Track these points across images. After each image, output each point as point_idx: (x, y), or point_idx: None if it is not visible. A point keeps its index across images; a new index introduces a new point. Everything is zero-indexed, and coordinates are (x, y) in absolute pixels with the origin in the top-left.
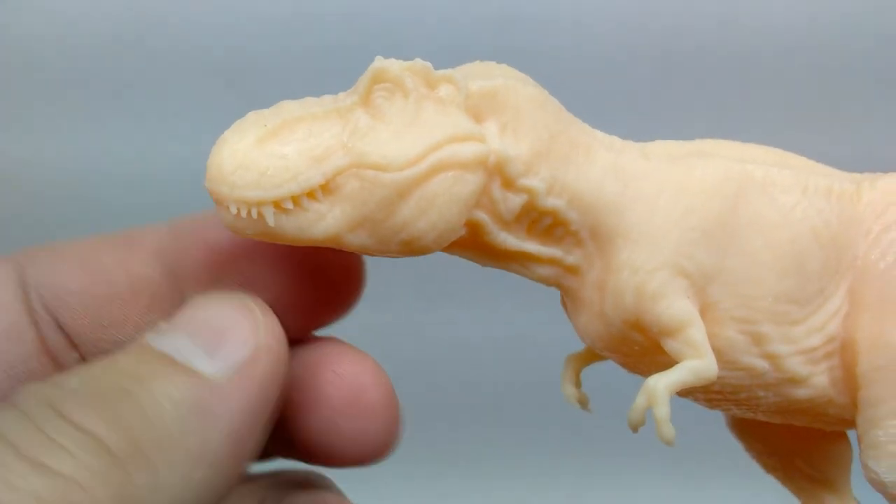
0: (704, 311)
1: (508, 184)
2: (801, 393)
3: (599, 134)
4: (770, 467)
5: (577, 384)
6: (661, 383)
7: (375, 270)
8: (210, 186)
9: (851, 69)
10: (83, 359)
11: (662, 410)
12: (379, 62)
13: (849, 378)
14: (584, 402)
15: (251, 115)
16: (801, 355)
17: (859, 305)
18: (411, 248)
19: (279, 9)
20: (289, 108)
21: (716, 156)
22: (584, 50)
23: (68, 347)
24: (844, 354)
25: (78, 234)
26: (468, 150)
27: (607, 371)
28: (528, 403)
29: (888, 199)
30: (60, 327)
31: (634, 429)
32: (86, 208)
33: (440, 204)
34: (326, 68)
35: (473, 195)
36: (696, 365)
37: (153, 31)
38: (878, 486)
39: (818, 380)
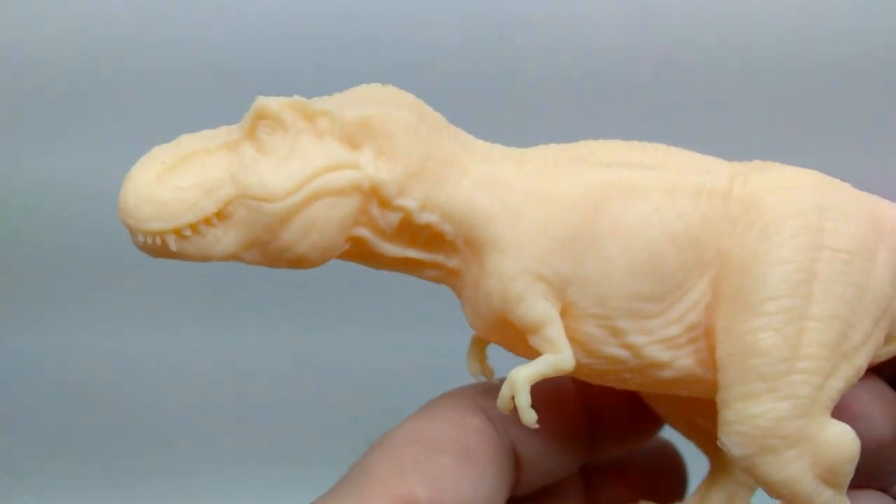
0: (565, 310)
1: (384, 203)
2: (665, 374)
3: (480, 145)
4: (674, 423)
5: (482, 360)
6: (522, 375)
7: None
8: (120, 217)
9: (851, 71)
10: None
11: (522, 398)
12: (261, 100)
13: (714, 359)
14: (489, 374)
15: (154, 151)
16: (659, 344)
17: (720, 296)
18: (299, 264)
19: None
20: (186, 142)
21: (587, 163)
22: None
23: None
24: (708, 339)
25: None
26: (343, 178)
27: None
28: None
29: (756, 195)
30: None
31: (505, 412)
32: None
33: (319, 227)
34: (324, 69)
35: (350, 217)
36: (553, 359)
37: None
38: (732, 458)
39: (682, 362)
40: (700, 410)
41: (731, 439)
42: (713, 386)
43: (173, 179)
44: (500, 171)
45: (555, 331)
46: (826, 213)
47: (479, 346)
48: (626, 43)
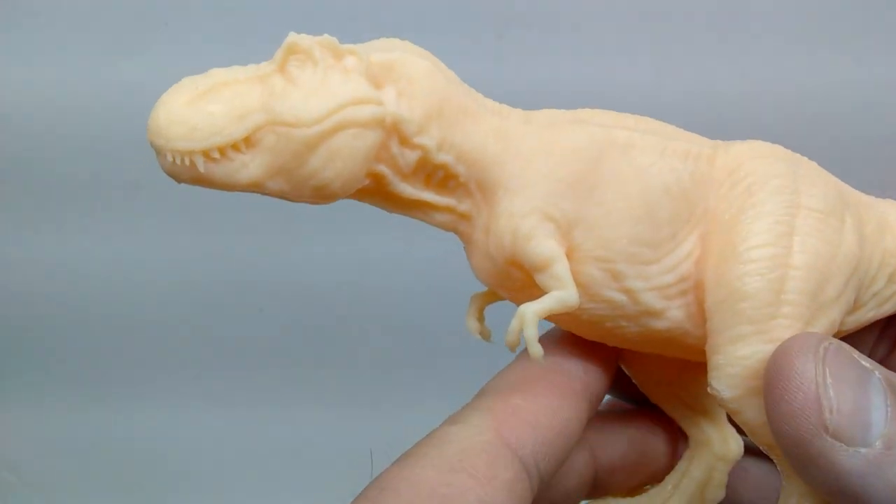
0: (570, 252)
1: (404, 141)
2: (659, 324)
3: (490, 102)
4: (655, 396)
5: (481, 319)
6: (531, 308)
7: None
8: (150, 139)
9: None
10: None
11: (531, 331)
12: (293, 36)
13: (701, 313)
14: (486, 335)
15: (185, 80)
16: (655, 291)
17: (708, 251)
18: (322, 193)
19: None
20: (217, 73)
21: (588, 123)
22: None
23: None
24: (697, 292)
25: None
26: (367, 111)
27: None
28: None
29: (737, 161)
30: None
31: (512, 348)
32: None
33: (344, 156)
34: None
35: (372, 149)
36: (561, 295)
37: None
38: (721, 402)
39: (674, 313)
40: (681, 383)
41: (721, 382)
42: (700, 341)
43: (204, 104)
44: (510, 124)
45: (561, 268)
46: (801, 178)
47: (478, 304)
48: (626, 43)
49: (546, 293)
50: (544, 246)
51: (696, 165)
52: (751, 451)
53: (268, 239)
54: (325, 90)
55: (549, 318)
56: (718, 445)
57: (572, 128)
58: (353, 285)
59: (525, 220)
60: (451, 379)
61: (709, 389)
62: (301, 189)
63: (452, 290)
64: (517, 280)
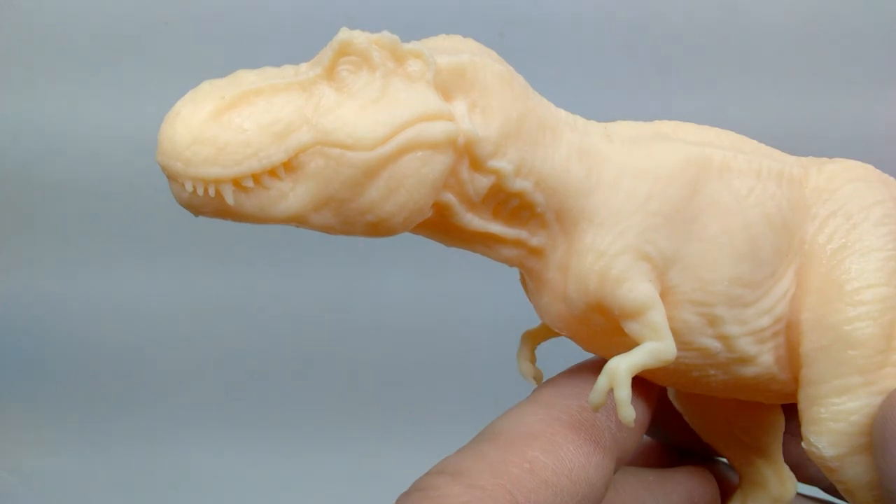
0: (663, 295)
1: (477, 165)
2: (748, 371)
3: (563, 113)
4: (709, 436)
5: (533, 360)
6: (623, 365)
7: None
8: (163, 161)
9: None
10: None
11: (624, 392)
12: (345, 33)
13: (792, 356)
14: (538, 378)
15: (205, 85)
16: (751, 335)
17: (806, 287)
18: (378, 229)
19: None
20: (247, 78)
21: (675, 139)
22: (581, 50)
23: None
24: (789, 334)
25: None
26: (438, 130)
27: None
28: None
29: (834, 184)
30: None
31: (596, 409)
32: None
33: (409, 185)
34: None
35: (442, 176)
36: (657, 347)
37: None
38: (818, 459)
39: (764, 358)
40: (738, 422)
41: (823, 439)
42: (785, 386)
43: (234, 118)
44: (591, 141)
45: (658, 316)
46: None
47: (530, 344)
48: (626, 43)
49: (634, 341)
50: (639, 290)
51: (791, 190)
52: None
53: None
54: (386, 103)
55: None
56: (776, 487)
57: (663, 147)
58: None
59: (617, 259)
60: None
61: (804, 445)
62: (353, 224)
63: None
64: (596, 325)
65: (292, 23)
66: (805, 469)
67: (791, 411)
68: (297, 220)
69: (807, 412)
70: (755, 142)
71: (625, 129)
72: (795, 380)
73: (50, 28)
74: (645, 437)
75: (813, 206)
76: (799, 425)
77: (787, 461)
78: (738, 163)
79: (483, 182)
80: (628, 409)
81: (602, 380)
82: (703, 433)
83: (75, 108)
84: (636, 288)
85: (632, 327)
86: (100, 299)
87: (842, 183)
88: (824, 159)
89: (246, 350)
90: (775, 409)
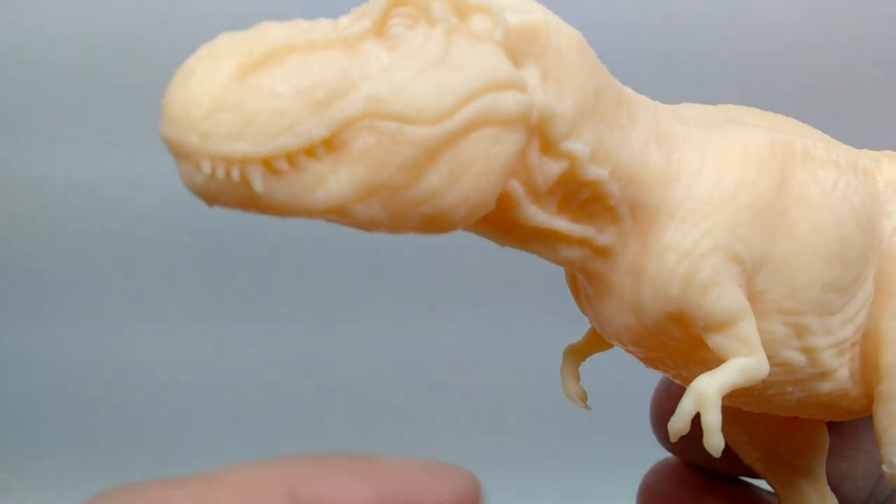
0: (749, 302)
1: (548, 147)
2: (825, 387)
3: (629, 90)
4: (751, 457)
5: (578, 378)
6: (713, 387)
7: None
8: (172, 135)
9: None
10: None
11: (713, 417)
12: None
13: (866, 369)
14: (584, 399)
15: (224, 38)
16: (834, 347)
17: (885, 292)
18: (435, 224)
19: None
20: (276, 31)
21: (747, 125)
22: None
23: None
24: (866, 344)
25: None
26: (512, 102)
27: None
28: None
29: None
30: None
31: (676, 437)
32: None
33: (476, 170)
34: None
35: (515, 159)
36: (748, 363)
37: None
38: None
39: (841, 372)
40: (782, 442)
41: None
42: (855, 403)
43: (265, 80)
44: (666, 122)
45: (750, 328)
46: None
47: (574, 360)
48: (625, 43)
49: (713, 357)
50: (730, 298)
51: (866, 182)
52: None
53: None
54: (451, 66)
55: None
56: None
57: (744, 133)
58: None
59: (705, 261)
60: None
61: (885, 467)
62: (404, 218)
63: None
64: (671, 339)
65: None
66: (840, 489)
67: (831, 430)
68: (337, 213)
69: (888, 431)
70: (816, 130)
71: (694, 111)
72: (867, 395)
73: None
74: (673, 457)
75: (888, 201)
76: (837, 445)
77: None
78: (818, 151)
79: (554, 168)
80: (718, 437)
81: (688, 402)
82: (745, 455)
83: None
84: (726, 295)
85: (718, 340)
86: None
87: None
88: (889, 152)
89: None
90: (821, 429)
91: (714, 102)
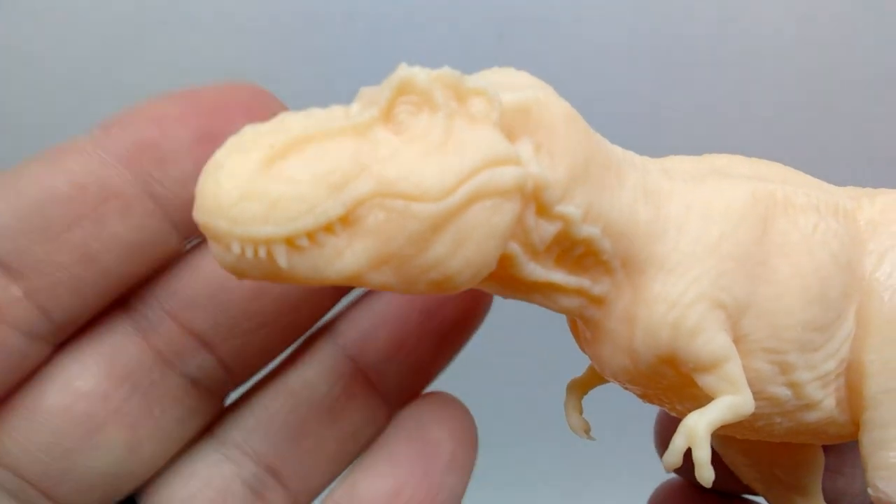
0: (735, 344)
1: (543, 211)
2: (812, 416)
3: (619, 150)
4: (750, 477)
5: (581, 411)
6: (702, 424)
7: None
8: (204, 220)
9: (849, 69)
10: None
11: (703, 453)
12: (405, 70)
13: (852, 398)
14: (588, 431)
15: (248, 132)
16: (818, 380)
17: (867, 327)
18: (442, 287)
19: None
20: (294, 122)
21: (731, 176)
22: (582, 50)
23: None
24: (850, 376)
25: None
26: (508, 175)
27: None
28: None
29: (888, 216)
30: None
31: (670, 469)
32: None
33: (478, 237)
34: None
35: (513, 225)
36: (735, 401)
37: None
38: None
39: (827, 402)
40: (779, 462)
41: (893, 485)
42: (842, 429)
43: (286, 169)
44: (652, 179)
45: (736, 368)
46: None
47: (577, 394)
48: (626, 43)
49: (703, 394)
50: (716, 342)
51: (847, 224)
52: None
53: None
54: (453, 147)
55: None
56: None
57: (727, 184)
58: None
59: (691, 309)
60: None
61: (870, 491)
62: (415, 282)
63: None
64: (663, 378)
65: (291, 21)
66: None
67: (828, 448)
68: (353, 281)
69: (873, 457)
70: (800, 172)
71: (680, 164)
72: (853, 422)
73: None
74: (675, 475)
75: (869, 240)
76: (834, 463)
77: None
78: (798, 198)
79: (549, 229)
80: (708, 471)
81: (679, 439)
82: (743, 475)
83: None
84: (713, 339)
85: (706, 380)
86: None
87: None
88: (870, 190)
89: None
90: (816, 449)
91: (714, 102)
